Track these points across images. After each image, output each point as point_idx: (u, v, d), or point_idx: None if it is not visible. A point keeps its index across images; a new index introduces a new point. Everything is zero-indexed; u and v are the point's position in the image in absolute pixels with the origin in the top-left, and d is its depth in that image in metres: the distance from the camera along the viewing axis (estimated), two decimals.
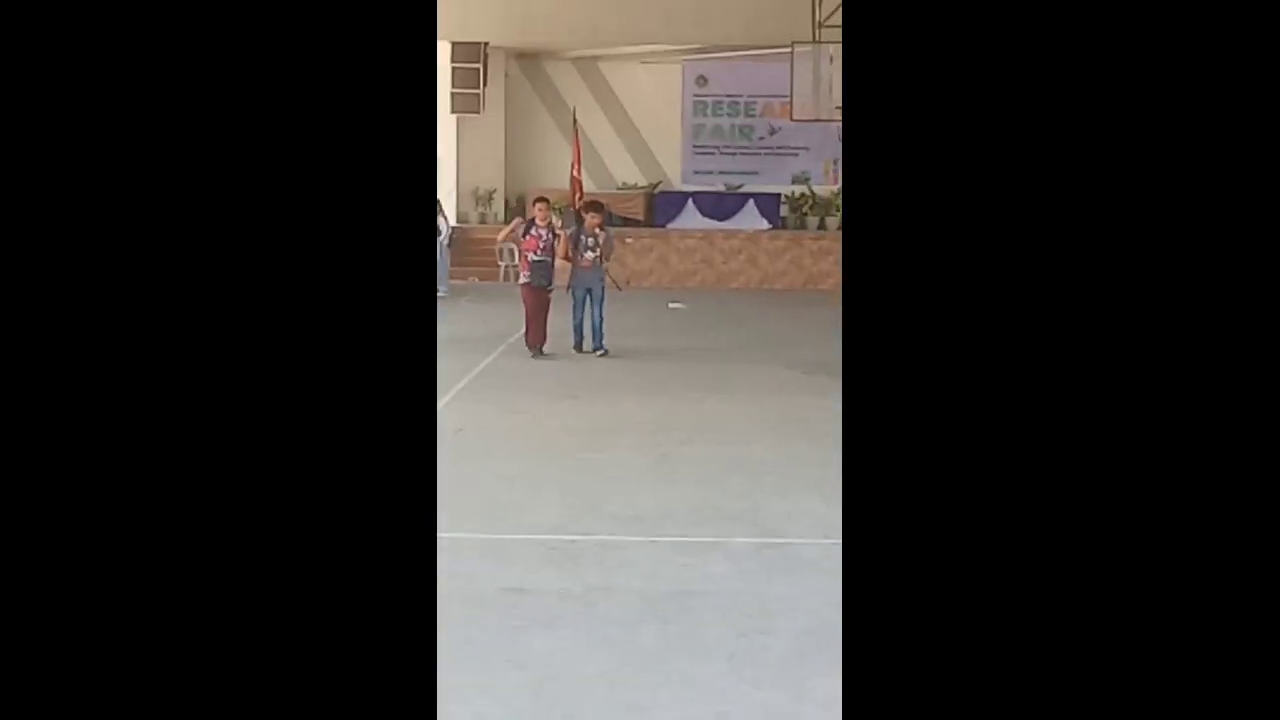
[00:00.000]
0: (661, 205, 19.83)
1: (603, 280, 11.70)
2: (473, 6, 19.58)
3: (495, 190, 21.28)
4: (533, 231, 11.45)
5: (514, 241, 11.94)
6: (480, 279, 18.40)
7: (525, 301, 11.45)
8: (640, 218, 19.64)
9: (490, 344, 12.07)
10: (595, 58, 21.75)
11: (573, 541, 5.72)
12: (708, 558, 5.54)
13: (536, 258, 11.32)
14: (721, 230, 19.17)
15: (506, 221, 20.97)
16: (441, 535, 5.58)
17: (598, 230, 11.79)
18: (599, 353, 11.43)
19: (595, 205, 12.47)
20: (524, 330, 11.51)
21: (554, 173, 20.99)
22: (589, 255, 11.58)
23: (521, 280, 11.64)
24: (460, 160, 20.83)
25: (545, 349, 11.32)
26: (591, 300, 11.55)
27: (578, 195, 19.46)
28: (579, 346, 11.59)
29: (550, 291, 11.41)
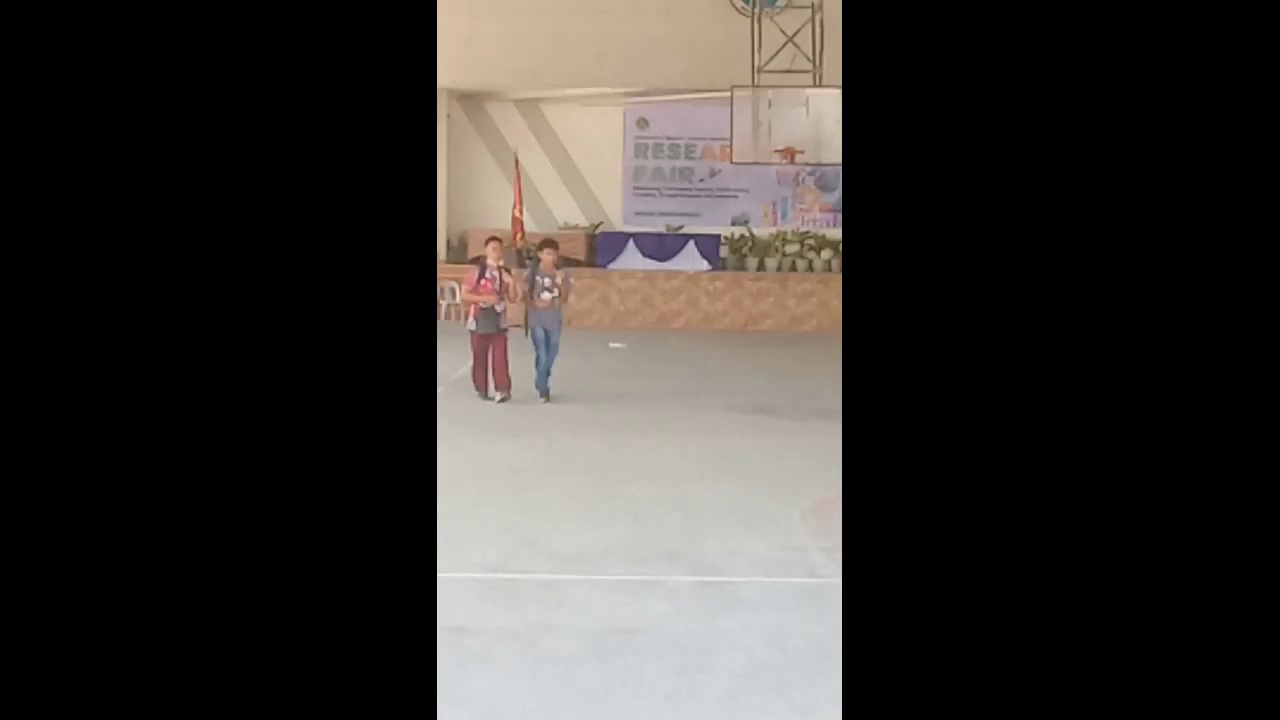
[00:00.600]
0: (603, 245, 19.93)
1: (560, 322, 11.31)
2: None
3: (436, 229, 21.27)
4: (487, 275, 11.08)
5: (470, 288, 11.27)
6: None
7: (475, 349, 11.08)
8: (581, 258, 19.70)
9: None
10: (537, 99, 21.87)
11: (513, 580, 5.74)
12: (647, 596, 5.58)
13: (486, 303, 10.90)
14: (662, 271, 19.29)
15: (448, 260, 21.02)
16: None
17: (554, 269, 11.35)
18: (541, 398, 11.05)
19: (550, 243, 11.93)
20: (471, 373, 11.20)
21: (496, 213, 21.03)
22: (546, 296, 11.16)
23: (469, 326, 11.21)
24: None
25: (510, 393, 10.94)
26: (548, 343, 11.15)
27: (519, 235, 19.51)
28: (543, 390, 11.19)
29: (505, 334, 11.01)
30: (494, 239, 11.95)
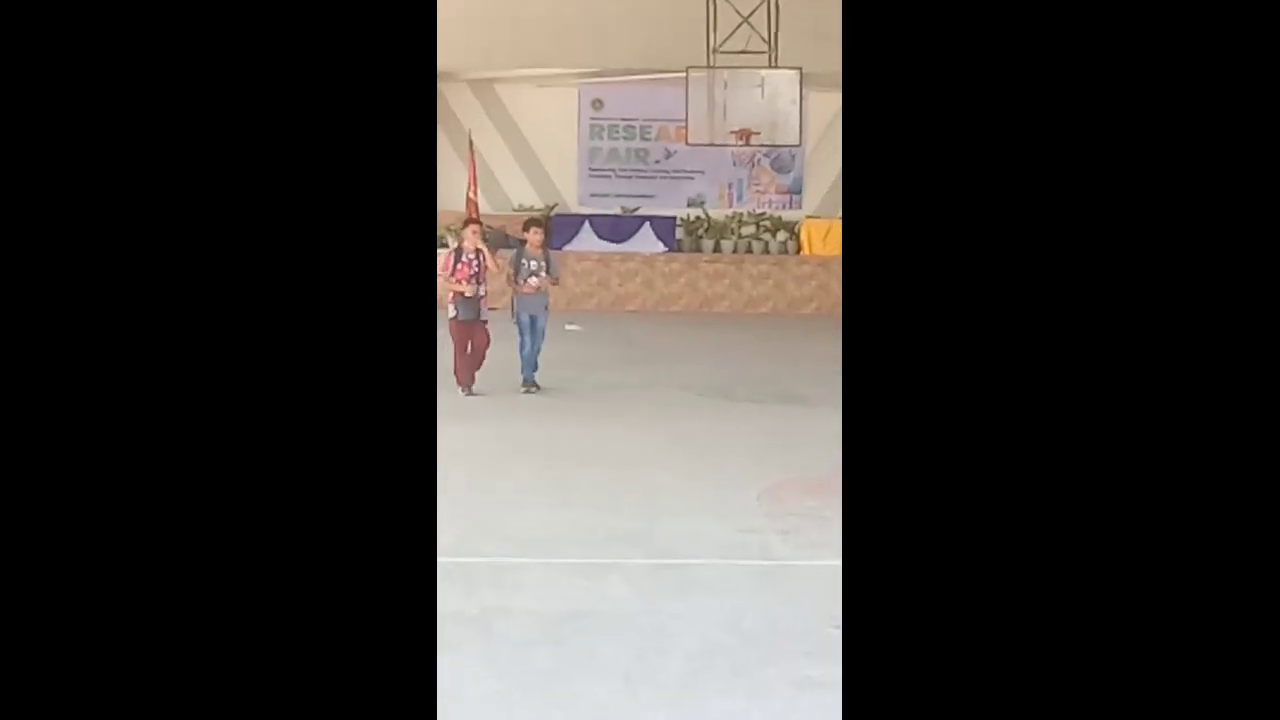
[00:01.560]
0: (558, 228, 19.85)
1: (546, 307, 10.71)
2: None
3: None
4: (463, 259, 10.47)
5: (446, 273, 10.49)
6: None
7: (454, 337, 10.40)
8: (521, 237, 19.66)
9: None
10: (491, 80, 21.74)
11: (468, 564, 5.70)
12: (604, 579, 5.56)
13: (465, 288, 10.32)
14: (618, 253, 19.26)
15: None
16: None
17: (539, 250, 10.74)
18: (527, 388, 10.49)
19: (535, 222, 11.32)
20: (453, 367, 10.37)
21: (450, 195, 20.89)
22: (534, 281, 10.56)
23: (450, 315, 10.43)
24: None
25: (475, 387, 10.37)
26: (533, 329, 10.56)
27: (474, 217, 19.40)
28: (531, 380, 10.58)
29: (485, 323, 10.46)
30: (473, 221, 11.32)
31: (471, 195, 19.43)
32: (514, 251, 10.94)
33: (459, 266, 10.47)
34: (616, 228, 19.90)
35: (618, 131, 21.65)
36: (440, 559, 5.72)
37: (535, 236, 10.80)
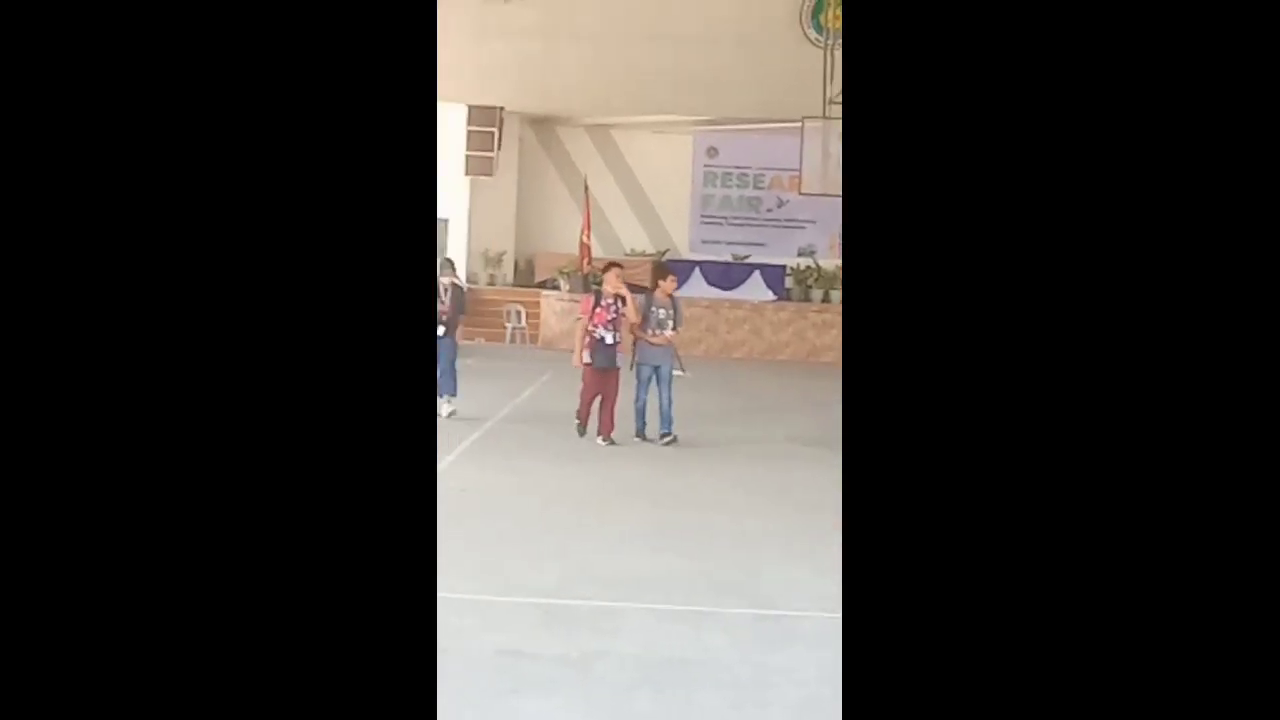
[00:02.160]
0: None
1: (672, 358, 10.36)
2: (489, 72, 19.87)
3: (505, 252, 21.45)
4: (602, 303, 10.12)
5: (586, 317, 10.24)
6: (487, 340, 18.49)
7: (587, 382, 10.18)
8: (647, 285, 19.78)
9: (497, 405, 12.12)
10: (608, 125, 22.01)
11: (569, 606, 5.73)
12: (704, 627, 5.55)
13: (604, 334, 9.98)
14: (727, 300, 19.29)
15: (515, 283, 21.16)
16: (438, 595, 5.59)
17: (670, 298, 10.38)
18: (665, 439, 10.13)
19: (665, 269, 10.94)
20: (577, 407, 10.35)
21: (564, 237, 21.17)
22: (664, 332, 10.23)
23: (585, 359, 10.17)
24: (472, 222, 21.03)
25: (614, 436, 10.12)
26: (659, 380, 10.20)
27: (586, 260, 19.61)
28: (642, 433, 10.30)
29: (618, 370, 10.17)
30: (614, 264, 10.80)
31: (585, 239, 19.67)
32: (641, 298, 10.50)
33: (597, 310, 10.12)
34: (726, 275, 19.95)
35: (731, 179, 21.76)
36: (542, 600, 5.79)
37: (668, 285, 10.43)
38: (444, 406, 10.98)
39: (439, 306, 10.99)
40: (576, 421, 10.32)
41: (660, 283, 10.51)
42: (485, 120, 20.44)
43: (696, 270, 20.01)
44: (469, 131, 20.45)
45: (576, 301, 19.34)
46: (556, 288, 20.04)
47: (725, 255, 21.00)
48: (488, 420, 11.27)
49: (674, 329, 10.30)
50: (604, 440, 10.10)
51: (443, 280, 11.17)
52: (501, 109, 20.54)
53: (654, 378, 10.21)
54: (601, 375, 10.03)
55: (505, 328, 19.19)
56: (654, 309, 10.27)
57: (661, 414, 10.18)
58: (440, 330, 10.90)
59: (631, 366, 10.30)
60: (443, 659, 4.72)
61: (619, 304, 10.08)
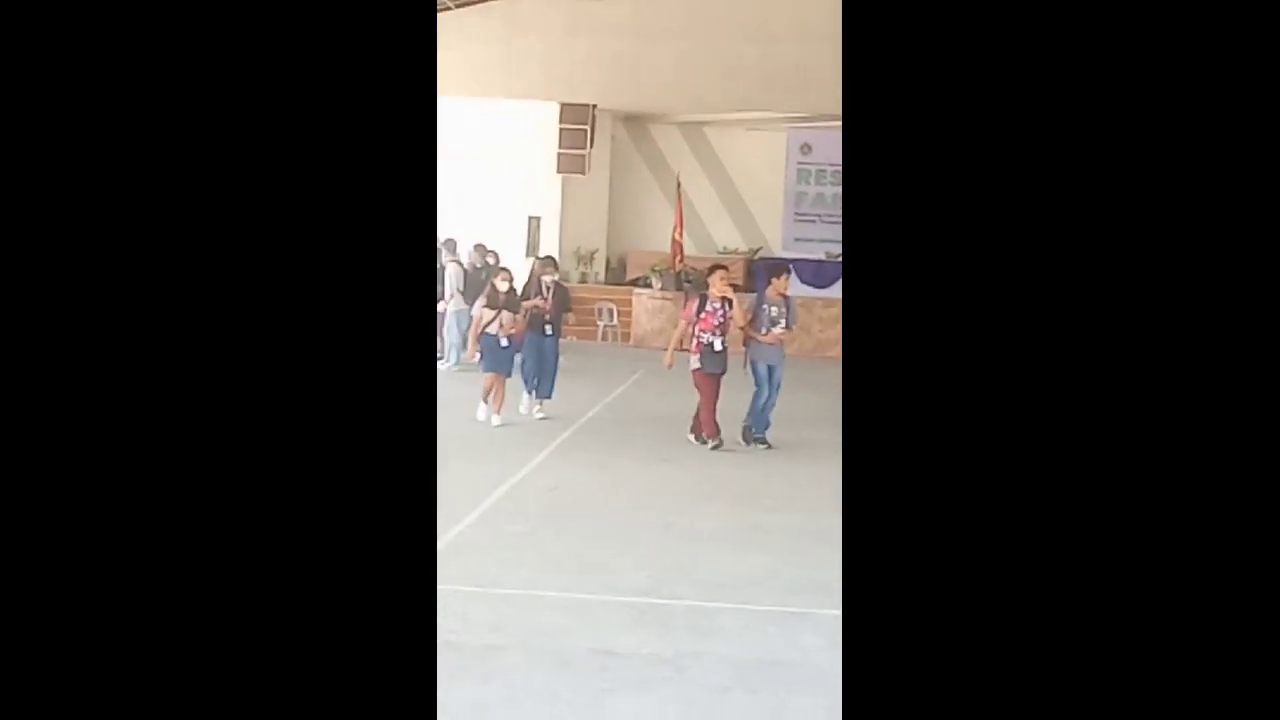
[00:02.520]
0: (761, 271, 19.87)
1: (784, 357, 10.13)
2: (581, 69, 19.94)
3: (597, 250, 21.52)
4: (708, 307, 9.89)
5: (689, 321, 10.02)
6: (578, 338, 18.55)
7: (703, 388, 9.91)
8: (740, 283, 19.72)
9: (588, 403, 12.15)
10: (700, 123, 21.96)
11: (662, 605, 5.71)
12: (797, 628, 5.50)
13: (712, 338, 9.75)
14: (820, 298, 19.13)
15: (607, 281, 21.20)
16: (530, 592, 5.63)
17: (783, 296, 10.13)
18: (759, 444, 10.04)
19: (779, 267, 10.65)
20: (694, 416, 10.14)
21: (656, 235, 21.17)
22: (776, 330, 9.97)
23: (693, 365, 9.95)
24: (564, 220, 21.12)
25: (722, 440, 9.90)
26: (770, 380, 9.98)
27: (678, 258, 19.58)
28: (760, 436, 10.14)
29: (723, 375, 9.91)
30: (720, 267, 10.53)
31: (677, 237, 19.65)
32: (753, 297, 10.35)
33: (703, 315, 9.90)
34: (820, 272, 19.79)
35: (825, 176, 21.58)
36: (635, 599, 5.78)
37: (780, 283, 10.17)
38: (535, 409, 10.99)
39: (542, 304, 10.93)
40: (695, 435, 10.03)
41: (774, 280, 10.26)
42: (577, 118, 20.51)
43: (790, 268, 19.88)
44: (561, 129, 20.54)
45: (668, 299, 19.34)
46: (649, 286, 20.04)
47: (818, 253, 20.83)
48: (579, 418, 11.30)
49: (786, 327, 10.06)
50: (697, 439, 10.01)
51: (545, 279, 11.13)
52: (594, 106, 20.60)
53: (769, 377, 9.99)
54: (713, 380, 9.78)
55: (597, 326, 19.24)
56: (765, 307, 10.04)
57: (757, 416, 10.08)
58: (545, 329, 10.89)
59: (746, 367, 10.07)
60: (537, 658, 4.74)
61: (725, 307, 9.88)
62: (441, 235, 18.10)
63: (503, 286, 10.80)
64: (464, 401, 11.91)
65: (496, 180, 20.64)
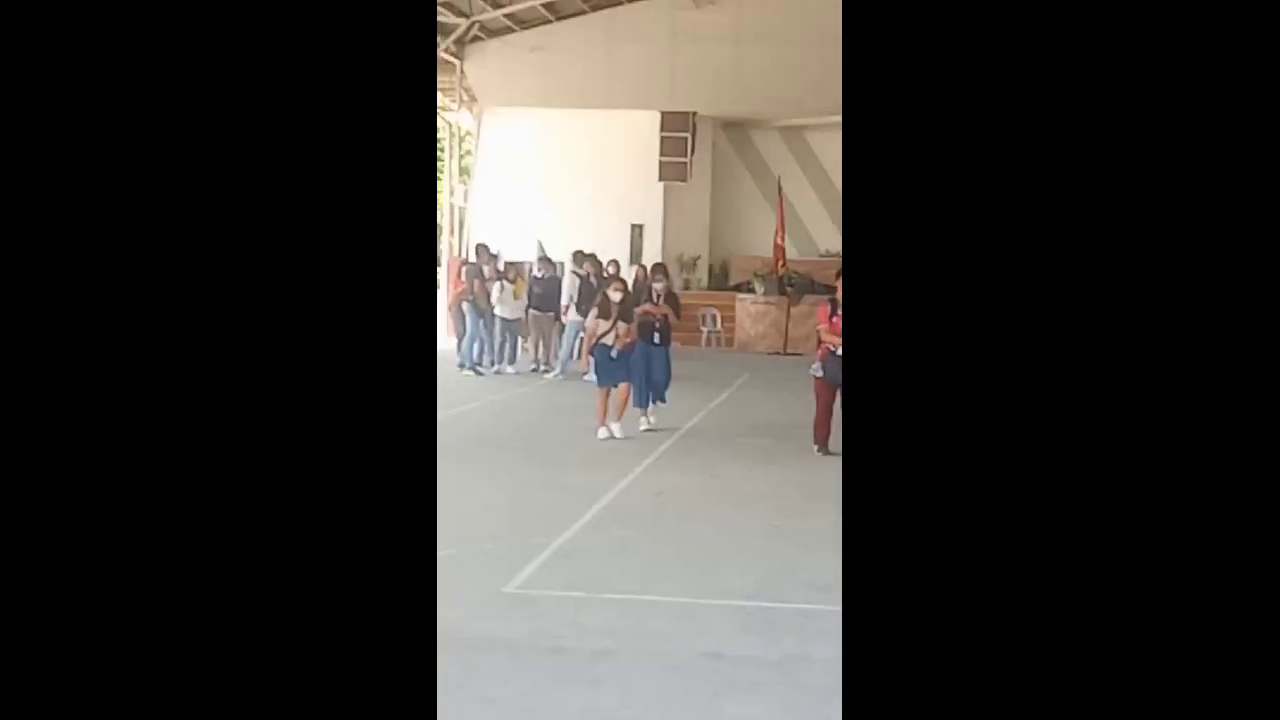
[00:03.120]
0: None
1: None
2: (682, 77, 20.00)
3: (699, 256, 21.54)
4: (838, 313, 9.47)
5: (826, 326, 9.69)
6: (682, 344, 18.59)
7: (821, 397, 9.72)
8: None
9: (693, 409, 12.17)
10: (801, 127, 21.87)
11: (769, 608, 5.72)
12: None
13: (839, 345, 9.24)
14: None
15: (710, 286, 21.22)
16: (639, 597, 5.66)
17: None
18: None
19: None
20: (813, 427, 9.95)
21: (758, 240, 21.13)
22: None
23: (814, 371, 9.81)
24: (666, 227, 21.18)
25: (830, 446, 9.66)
26: None
27: (780, 263, 19.52)
28: None
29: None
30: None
31: (779, 241, 19.59)
32: None
33: (834, 319, 9.52)
34: None
35: None
36: (742, 602, 5.79)
37: None
38: (641, 421, 10.87)
39: (654, 309, 10.86)
40: (815, 445, 9.89)
41: None
42: (678, 125, 20.57)
43: None
44: (663, 137, 20.61)
45: (771, 304, 19.28)
46: (751, 291, 20.01)
47: None
48: (684, 424, 11.32)
49: None
50: (821, 450, 9.82)
51: (656, 286, 11.10)
52: (694, 114, 20.64)
53: None
54: (834, 390, 9.52)
55: (700, 331, 19.26)
56: None
57: None
58: (655, 338, 10.86)
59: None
60: (647, 662, 4.78)
61: None
62: (554, 245, 18.32)
63: (616, 296, 10.65)
64: (567, 410, 12.02)
65: (599, 189, 20.78)
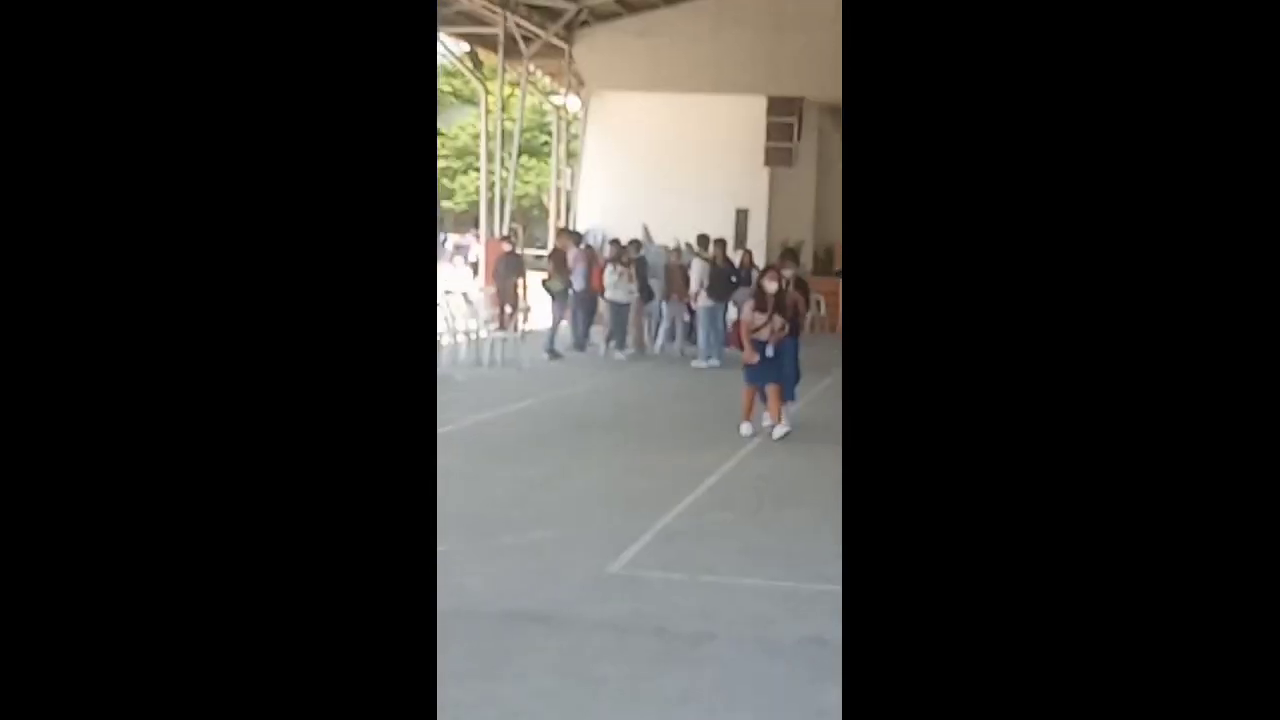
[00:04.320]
0: None
1: None
2: (788, 62, 19.87)
3: (804, 242, 21.41)
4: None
5: None
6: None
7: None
8: None
9: (798, 393, 12.14)
10: None
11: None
12: None
13: None
14: None
15: (815, 272, 21.08)
16: (739, 581, 5.68)
17: None
18: None
19: None
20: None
21: None
22: None
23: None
24: (771, 212, 21.09)
25: None
26: None
27: None
28: None
29: None
30: None
31: None
32: None
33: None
34: None
35: None
36: (829, 587, 5.76)
37: None
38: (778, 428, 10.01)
39: (786, 299, 10.01)
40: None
41: None
42: (784, 110, 20.45)
43: None
44: (768, 122, 20.52)
45: None
46: None
47: None
48: (790, 408, 11.30)
49: None
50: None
51: (785, 273, 10.34)
52: (801, 99, 20.50)
53: None
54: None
55: (805, 317, 19.17)
56: None
57: None
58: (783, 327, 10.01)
59: None
60: (747, 646, 4.81)
61: None
62: (659, 230, 18.34)
63: (771, 287, 9.87)
64: (671, 393, 12.02)
65: (704, 174, 20.76)
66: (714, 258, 15.53)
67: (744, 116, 20.59)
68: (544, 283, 15.95)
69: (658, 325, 17.03)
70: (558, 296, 15.76)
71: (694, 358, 15.32)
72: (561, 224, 22.30)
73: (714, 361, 14.83)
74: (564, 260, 15.83)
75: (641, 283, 15.99)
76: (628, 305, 15.95)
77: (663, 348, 16.51)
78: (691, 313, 15.80)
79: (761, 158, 20.68)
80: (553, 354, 15.20)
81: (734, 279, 15.04)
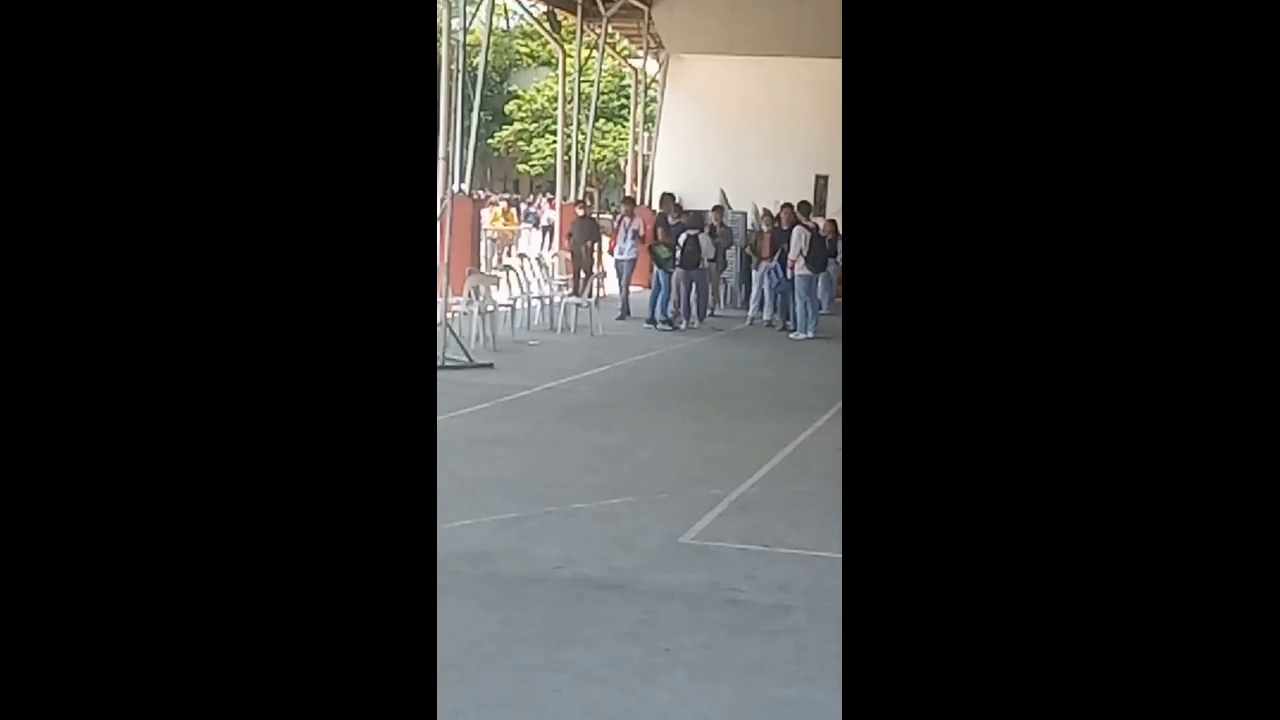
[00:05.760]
0: None
1: None
2: None
3: None
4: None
5: None
6: None
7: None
8: None
9: None
10: None
11: None
12: None
13: None
14: None
15: None
16: (815, 553, 5.63)
17: None
18: None
19: None
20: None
21: None
22: None
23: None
24: None
25: None
26: None
27: None
28: None
29: None
30: None
31: None
32: None
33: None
34: None
35: None
36: None
37: None
38: None
39: None
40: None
41: None
42: None
43: None
44: None
45: None
46: None
47: None
48: None
49: None
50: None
51: None
52: None
53: None
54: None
55: None
56: None
57: None
58: None
59: None
60: (822, 618, 4.74)
61: None
62: (737, 195, 18.17)
63: None
64: (746, 362, 11.98)
65: (783, 138, 20.56)
66: (816, 226, 15.33)
67: (824, 80, 20.33)
68: (652, 247, 15.71)
69: (747, 294, 16.88)
70: (664, 264, 15.43)
71: (789, 330, 15.16)
72: (637, 188, 22.23)
73: (809, 334, 14.71)
74: (668, 226, 15.62)
75: (720, 250, 15.86)
76: (705, 272, 15.85)
77: (752, 319, 16.32)
78: (780, 280, 15.59)
79: (841, 122, 20.43)
80: (665, 323, 15.02)
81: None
